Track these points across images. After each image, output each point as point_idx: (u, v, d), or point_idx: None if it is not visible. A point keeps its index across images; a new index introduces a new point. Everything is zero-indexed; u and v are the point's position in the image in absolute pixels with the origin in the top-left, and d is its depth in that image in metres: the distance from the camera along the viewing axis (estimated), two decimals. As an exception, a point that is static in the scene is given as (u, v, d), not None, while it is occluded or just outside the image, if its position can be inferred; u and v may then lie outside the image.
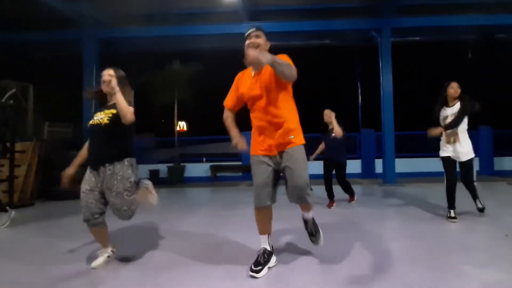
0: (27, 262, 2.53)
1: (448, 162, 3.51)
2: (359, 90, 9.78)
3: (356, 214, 4.01)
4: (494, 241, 2.79)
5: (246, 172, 8.38)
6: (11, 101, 5.49)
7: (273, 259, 2.28)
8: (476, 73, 9.02)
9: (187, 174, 8.23)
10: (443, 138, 3.53)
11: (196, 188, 7.20)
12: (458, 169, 3.56)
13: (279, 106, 2.13)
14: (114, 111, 2.24)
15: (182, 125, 12.44)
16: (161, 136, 9.42)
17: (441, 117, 3.56)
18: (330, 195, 4.53)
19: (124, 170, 2.25)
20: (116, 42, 7.59)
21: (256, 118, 2.20)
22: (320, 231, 2.39)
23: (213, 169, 8.20)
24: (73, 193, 5.73)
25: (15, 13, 6.52)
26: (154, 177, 7.54)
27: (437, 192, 4.58)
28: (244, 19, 7.17)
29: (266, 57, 1.87)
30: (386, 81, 7.08)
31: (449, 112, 3.48)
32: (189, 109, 8.73)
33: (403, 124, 8.33)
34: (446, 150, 3.53)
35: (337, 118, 4.30)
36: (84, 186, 2.30)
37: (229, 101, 2.36)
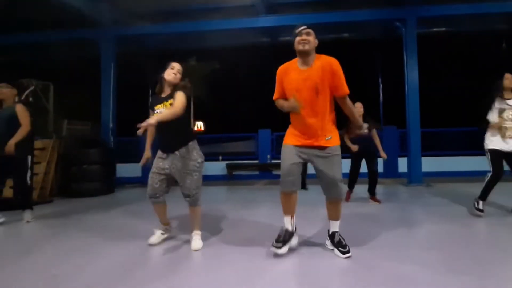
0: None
1: (498, 154, 3.37)
2: (380, 86, 9.36)
3: (383, 215, 3.72)
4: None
5: (263, 171, 8.20)
6: (30, 99, 5.58)
7: (295, 240, 2.45)
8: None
9: (203, 172, 8.11)
10: (494, 131, 3.39)
11: (212, 187, 7.08)
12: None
13: (323, 105, 2.30)
14: (172, 101, 2.47)
15: (199, 125, 12.35)
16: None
17: (495, 110, 3.41)
18: (352, 187, 4.63)
19: (190, 153, 2.53)
20: (133, 40, 7.60)
21: (298, 114, 2.31)
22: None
23: (229, 167, 8.07)
24: (91, 191, 5.82)
25: (36, 13, 6.64)
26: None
27: (470, 193, 4.19)
28: (261, 13, 6.98)
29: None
30: (412, 75, 6.68)
31: (506, 105, 3.36)
32: (206, 107, 8.65)
33: (428, 121, 7.88)
34: (494, 142, 3.39)
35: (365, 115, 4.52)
36: (153, 169, 2.58)
37: (278, 94, 2.46)
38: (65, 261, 2.35)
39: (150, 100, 2.69)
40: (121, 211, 4.41)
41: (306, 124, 2.30)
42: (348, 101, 2.36)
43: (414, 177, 6.56)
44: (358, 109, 4.47)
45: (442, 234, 2.90)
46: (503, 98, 3.38)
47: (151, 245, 2.64)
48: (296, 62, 2.35)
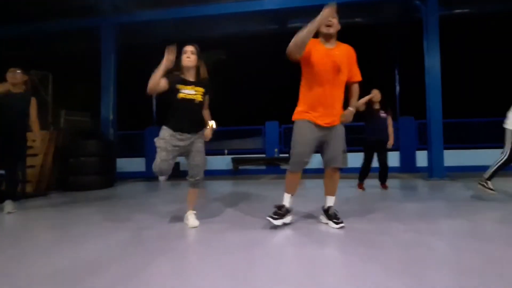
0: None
1: None
2: (397, 74, 8.74)
3: (405, 211, 3.25)
4: None
5: (270, 166, 7.78)
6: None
7: (290, 217, 2.63)
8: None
9: (208, 167, 7.78)
10: None
11: (218, 181, 6.73)
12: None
13: (341, 84, 2.48)
14: (203, 89, 2.67)
15: (211, 124, 12.03)
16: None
17: None
18: (363, 178, 4.61)
19: (204, 136, 2.75)
20: (135, 29, 7.30)
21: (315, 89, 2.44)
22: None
23: (235, 161, 7.69)
24: (89, 184, 5.57)
25: (34, 3, 6.43)
26: (174, 170, 7.17)
27: (499, 188, 3.69)
28: (267, -5, 6.56)
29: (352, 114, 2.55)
30: (433, 61, 6.10)
31: None
32: (211, 99, 8.26)
33: (450, 111, 7.28)
34: None
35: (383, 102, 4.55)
36: (164, 146, 2.58)
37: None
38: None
39: (168, 75, 2.56)
40: (114, 204, 4.12)
41: (322, 99, 2.42)
42: (357, 87, 2.59)
43: (436, 170, 6.00)
44: (375, 95, 4.48)
45: (469, 232, 2.44)
46: None
47: (195, 227, 2.66)
48: (319, 41, 2.44)
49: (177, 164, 7.48)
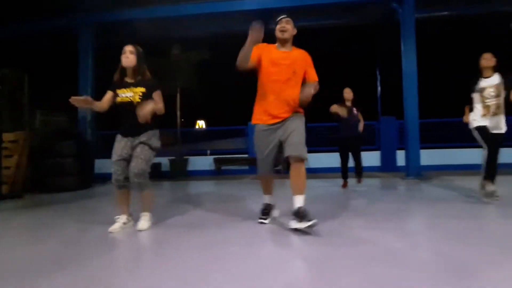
0: None
1: (486, 131, 3.37)
2: (378, 74, 8.85)
3: (375, 210, 3.29)
4: None
5: (252, 166, 7.79)
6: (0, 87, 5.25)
7: (276, 211, 2.84)
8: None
9: (190, 167, 7.75)
10: (479, 111, 3.41)
11: (199, 181, 6.71)
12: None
13: (295, 85, 2.55)
14: (143, 89, 2.58)
15: (200, 124, 11.91)
16: (163, 127, 9.00)
17: (477, 90, 3.43)
18: (346, 175, 4.75)
19: (149, 140, 2.62)
20: (113, 27, 7.21)
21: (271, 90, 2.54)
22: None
23: (218, 162, 7.68)
24: (65, 185, 5.48)
25: (11, 2, 6.29)
26: (155, 170, 7.13)
27: (472, 186, 3.78)
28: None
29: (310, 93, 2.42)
30: (409, 61, 6.22)
31: (486, 83, 3.38)
32: (194, 99, 8.22)
33: (429, 111, 7.41)
34: (480, 121, 3.40)
35: (353, 102, 4.70)
36: (114, 156, 2.59)
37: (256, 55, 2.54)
38: None
39: (112, 84, 2.68)
40: (84, 206, 4.07)
41: (276, 101, 2.48)
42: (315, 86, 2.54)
43: (412, 170, 6.10)
44: (347, 94, 4.68)
45: (436, 230, 2.49)
46: (482, 77, 3.41)
47: (111, 232, 2.57)
48: (275, 46, 2.57)
49: (158, 165, 7.44)
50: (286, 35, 2.47)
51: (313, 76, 2.59)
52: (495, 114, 3.33)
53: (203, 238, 2.39)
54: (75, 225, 2.92)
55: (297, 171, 2.43)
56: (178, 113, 7.90)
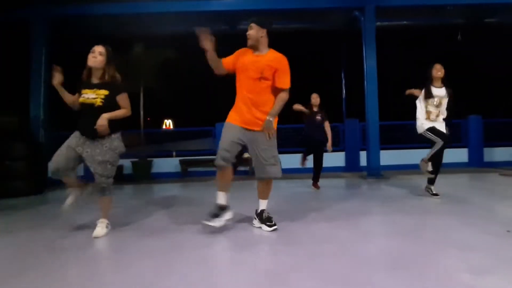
0: None
1: (436, 129, 3.66)
2: (343, 79, 9.19)
3: (334, 210, 3.39)
4: (495, 239, 2.24)
5: (221, 167, 7.70)
6: None
7: (230, 213, 2.59)
8: (467, 59, 8.58)
9: (155, 169, 7.48)
10: (424, 116, 3.73)
11: (164, 184, 6.49)
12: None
13: (265, 90, 2.57)
14: (106, 92, 2.51)
15: (168, 123, 11.59)
16: (126, 129, 8.61)
17: (429, 96, 3.70)
18: (315, 177, 4.87)
19: (111, 143, 2.54)
20: (70, 21, 6.75)
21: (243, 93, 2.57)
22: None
23: (184, 164, 7.49)
24: (13, 190, 5.01)
25: None
26: (117, 173, 6.76)
27: (424, 184, 4.06)
28: (215, -4, 6.49)
29: (271, 124, 2.51)
30: (370, 66, 6.51)
31: (436, 92, 3.68)
32: (157, 99, 7.96)
33: (390, 114, 7.82)
34: (426, 124, 3.70)
35: (321, 106, 4.86)
36: (64, 145, 2.52)
37: (227, 59, 2.62)
38: None
39: (79, 83, 2.62)
40: (33, 213, 3.79)
41: (246, 105, 2.51)
42: (285, 94, 2.57)
43: (373, 170, 6.39)
44: (314, 99, 4.81)
45: (386, 226, 2.62)
46: (432, 86, 3.70)
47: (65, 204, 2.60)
48: (250, 50, 2.62)
49: (120, 167, 7.08)
50: (250, 42, 2.53)
51: (282, 81, 2.53)
52: (433, 120, 3.67)
53: (161, 243, 2.35)
54: (25, 232, 2.74)
55: (264, 184, 2.65)
56: (142, 112, 7.60)
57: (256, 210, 2.68)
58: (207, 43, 2.41)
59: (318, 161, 4.80)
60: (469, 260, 1.86)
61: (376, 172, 6.32)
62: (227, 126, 2.56)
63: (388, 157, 7.28)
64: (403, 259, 1.90)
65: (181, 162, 7.46)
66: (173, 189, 5.89)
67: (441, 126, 3.71)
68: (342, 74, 9.17)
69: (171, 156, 7.75)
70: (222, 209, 2.54)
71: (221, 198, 2.56)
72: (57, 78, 2.53)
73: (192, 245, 2.27)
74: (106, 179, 2.52)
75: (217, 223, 2.47)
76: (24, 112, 6.07)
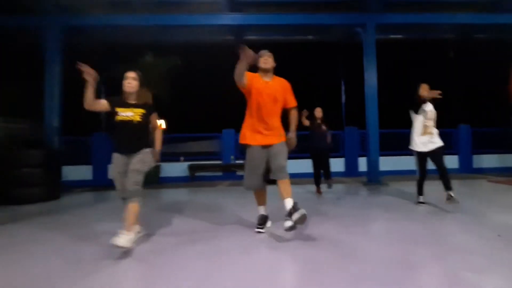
0: None
1: (423, 156, 4.04)
2: (343, 88, 9.63)
3: (338, 215, 3.73)
4: (488, 243, 2.63)
5: (226, 172, 7.99)
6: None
7: (269, 222, 3.11)
8: (457, 72, 9.15)
9: (163, 174, 7.72)
10: (419, 130, 4.04)
11: (173, 189, 6.73)
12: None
13: (277, 111, 3.00)
14: (143, 110, 2.79)
15: (159, 123, 11.77)
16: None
17: (421, 112, 4.05)
18: (318, 182, 5.32)
19: (144, 155, 2.78)
20: (83, 30, 6.95)
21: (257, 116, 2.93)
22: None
23: (192, 168, 7.75)
24: (31, 197, 5.18)
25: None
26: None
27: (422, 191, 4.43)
28: (225, 10, 6.78)
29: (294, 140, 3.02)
30: (370, 78, 6.92)
31: (427, 108, 4.05)
32: (165, 106, 8.17)
33: (387, 122, 8.24)
34: (419, 145, 4.03)
35: (323, 118, 5.31)
36: (116, 170, 2.78)
37: (247, 75, 2.88)
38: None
39: (111, 98, 2.78)
40: (59, 220, 3.97)
41: (262, 123, 2.89)
42: (295, 112, 3.07)
43: (373, 176, 6.79)
44: (317, 113, 5.27)
45: (389, 232, 2.97)
46: (421, 103, 4.03)
47: (120, 247, 2.46)
48: (259, 75, 2.96)
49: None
50: (267, 66, 2.93)
51: (291, 101, 3.04)
52: (431, 133, 4.01)
53: (201, 247, 2.62)
54: (63, 240, 2.92)
55: (283, 184, 2.85)
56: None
57: (285, 213, 2.73)
58: (249, 57, 2.69)
59: (326, 167, 5.27)
60: (469, 261, 2.22)
61: (375, 178, 6.73)
62: (249, 152, 2.91)
63: (386, 163, 7.70)
64: (412, 261, 2.23)
65: (189, 167, 7.71)
66: (184, 193, 6.14)
67: (434, 142, 3.99)
68: (342, 84, 9.60)
69: (179, 161, 7.99)
70: (265, 218, 3.07)
71: (262, 210, 3.07)
72: (92, 73, 2.55)
73: (232, 250, 2.57)
74: (135, 185, 2.67)
75: (263, 229, 3.01)
76: (37, 119, 6.23)
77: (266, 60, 2.93)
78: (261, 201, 3.09)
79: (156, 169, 7.58)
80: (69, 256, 2.53)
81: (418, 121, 4.06)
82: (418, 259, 2.28)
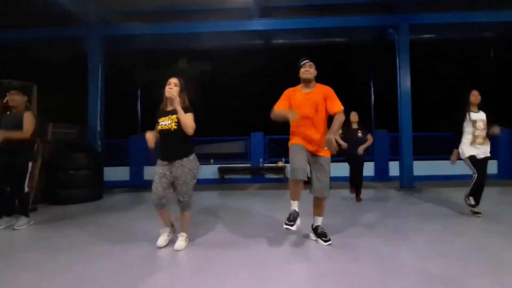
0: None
1: (476, 159, 3.87)
2: (372, 90, 9.43)
3: (373, 224, 3.72)
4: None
5: (255, 175, 8.12)
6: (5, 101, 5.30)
7: (299, 220, 2.88)
8: (499, 73, 8.66)
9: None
10: (469, 140, 3.90)
11: (205, 192, 6.95)
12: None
13: (320, 120, 2.94)
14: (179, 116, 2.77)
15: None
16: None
17: (468, 121, 3.92)
18: (357, 191, 5.17)
19: (190, 163, 2.84)
20: (122, 39, 7.36)
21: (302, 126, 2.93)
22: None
23: (221, 171, 7.95)
24: (77, 197, 5.59)
25: (19, 10, 6.31)
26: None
27: (459, 197, 4.30)
28: (255, 16, 6.90)
29: (332, 141, 2.74)
30: (404, 80, 6.75)
31: (477, 117, 3.91)
32: (197, 109, 8.46)
33: (420, 125, 7.99)
34: (470, 149, 3.89)
35: (359, 122, 5.20)
36: (155, 177, 2.82)
37: (280, 106, 2.95)
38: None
39: (156, 112, 2.94)
40: (109, 216, 4.33)
41: (306, 134, 2.89)
42: (340, 115, 2.90)
43: (406, 181, 6.63)
44: (353, 117, 5.12)
45: (433, 243, 2.92)
46: (471, 111, 3.92)
47: (159, 247, 2.87)
48: (300, 87, 2.99)
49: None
50: (309, 76, 2.92)
51: (334, 106, 2.89)
52: (481, 143, 3.85)
53: (246, 254, 2.73)
54: (110, 241, 3.15)
55: (319, 203, 3.00)
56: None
57: (312, 225, 3.07)
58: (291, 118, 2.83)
59: (359, 175, 5.13)
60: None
61: (409, 184, 6.56)
62: (294, 147, 2.86)
63: (418, 167, 7.47)
64: (455, 279, 2.15)
65: (219, 169, 7.92)
66: (217, 197, 6.34)
67: (486, 152, 3.88)
68: (371, 85, 9.41)
69: (209, 163, 8.22)
70: (296, 214, 2.89)
71: (295, 205, 2.89)
72: (153, 140, 2.79)
73: (273, 257, 2.67)
74: (187, 197, 2.83)
75: (294, 227, 2.80)
76: (82, 123, 6.67)
77: (307, 70, 2.90)
78: (295, 194, 2.87)
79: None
80: (115, 259, 2.72)
81: (467, 130, 3.92)
82: (463, 276, 2.19)
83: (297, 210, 2.90)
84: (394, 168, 7.77)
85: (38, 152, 5.52)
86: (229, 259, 2.66)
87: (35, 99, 6.01)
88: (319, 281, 2.20)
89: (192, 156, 2.89)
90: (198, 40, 7.78)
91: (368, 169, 8.06)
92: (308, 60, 2.94)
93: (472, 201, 3.95)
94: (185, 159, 2.81)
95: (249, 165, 8.17)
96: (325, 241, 2.94)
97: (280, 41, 8.02)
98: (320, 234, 2.99)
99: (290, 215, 2.85)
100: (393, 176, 7.77)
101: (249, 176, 8.10)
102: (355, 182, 5.19)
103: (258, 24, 6.95)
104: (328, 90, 2.94)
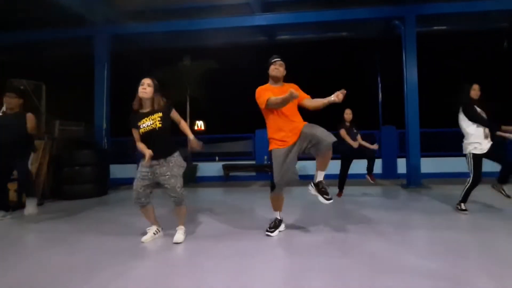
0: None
1: (480, 159, 3.67)
2: (379, 85, 9.22)
3: (375, 221, 3.61)
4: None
5: (259, 172, 8.09)
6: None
7: (283, 225, 3.13)
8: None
9: (200, 173, 8.03)
10: (482, 134, 3.66)
11: (210, 188, 6.98)
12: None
13: (296, 110, 2.98)
14: (160, 114, 2.78)
15: (200, 125, 12.29)
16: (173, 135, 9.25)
17: (477, 115, 3.72)
18: (342, 186, 4.96)
19: (176, 160, 2.83)
20: (127, 38, 7.47)
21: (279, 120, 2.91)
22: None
23: (226, 168, 7.96)
24: (83, 192, 5.72)
25: (27, 12, 6.52)
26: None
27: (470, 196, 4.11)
28: (257, 11, 6.86)
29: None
30: (411, 74, 6.55)
31: (479, 110, 3.76)
32: (202, 107, 8.52)
33: (428, 121, 7.75)
34: (479, 147, 3.65)
35: (355, 115, 4.98)
36: (137, 175, 2.83)
37: (269, 95, 2.85)
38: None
39: (130, 121, 2.84)
40: (111, 211, 4.43)
41: (290, 122, 2.85)
42: (310, 99, 2.94)
43: (413, 179, 6.43)
44: (347, 115, 4.97)
45: (438, 242, 2.81)
46: (475, 105, 3.73)
47: (143, 242, 2.88)
48: (269, 84, 3.01)
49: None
50: (279, 74, 2.94)
51: (304, 94, 2.97)
52: (487, 136, 3.67)
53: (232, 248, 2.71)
54: (106, 233, 3.22)
55: (326, 155, 2.74)
56: (188, 120, 8.17)
57: (313, 180, 2.89)
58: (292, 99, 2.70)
59: (371, 160, 5.07)
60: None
61: (416, 181, 6.37)
62: (276, 155, 2.81)
63: (426, 164, 7.25)
64: (457, 278, 2.03)
65: (224, 166, 7.94)
66: (220, 193, 6.35)
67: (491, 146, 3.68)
68: (379, 81, 9.20)
69: (214, 160, 8.25)
70: (279, 221, 3.08)
71: (277, 214, 3.09)
72: (150, 155, 2.70)
73: (257, 252, 2.63)
74: (179, 190, 2.79)
75: (274, 233, 2.97)
76: (89, 121, 6.83)
77: (277, 68, 2.91)
78: (278, 206, 3.07)
79: (194, 169, 7.92)
80: (107, 248, 2.80)
81: (474, 127, 3.67)
82: (465, 276, 2.06)
83: (279, 217, 3.07)
84: (402, 165, 7.57)
85: (45, 147, 5.71)
86: (220, 252, 2.65)
87: (44, 98, 6.21)
88: (310, 276, 2.14)
89: (177, 153, 2.87)
90: (202, 37, 7.81)
91: (376, 166, 7.86)
92: (279, 59, 2.96)
93: (463, 206, 3.82)
94: (169, 157, 2.79)
95: (253, 162, 8.14)
96: (327, 199, 2.82)
97: (285, 37, 7.95)
98: (322, 190, 2.84)
99: (271, 222, 3.03)
100: (401, 174, 7.56)
101: (253, 174, 8.08)
102: (344, 181, 4.99)
103: (260, 19, 6.91)
104: (296, 86, 2.97)
